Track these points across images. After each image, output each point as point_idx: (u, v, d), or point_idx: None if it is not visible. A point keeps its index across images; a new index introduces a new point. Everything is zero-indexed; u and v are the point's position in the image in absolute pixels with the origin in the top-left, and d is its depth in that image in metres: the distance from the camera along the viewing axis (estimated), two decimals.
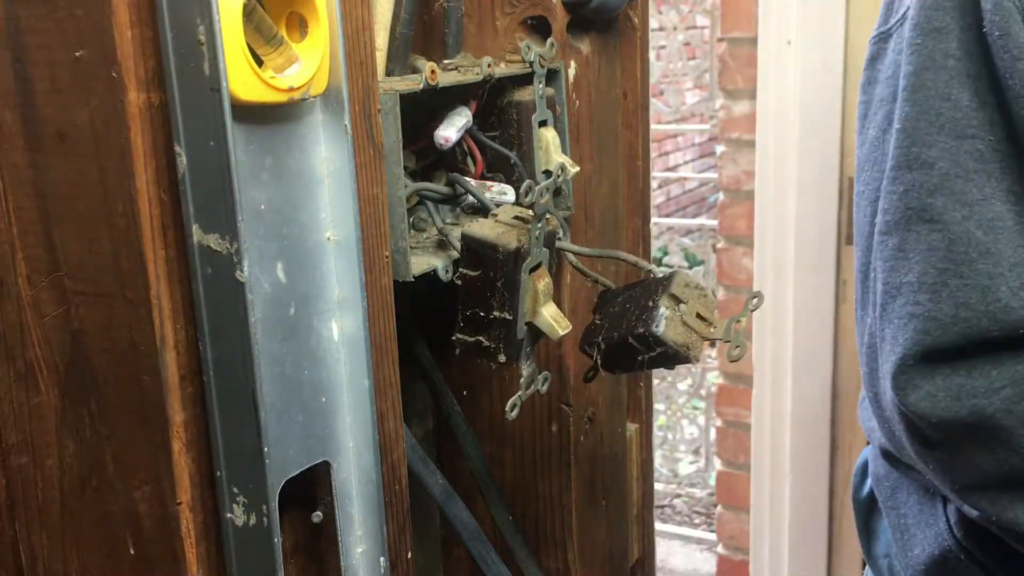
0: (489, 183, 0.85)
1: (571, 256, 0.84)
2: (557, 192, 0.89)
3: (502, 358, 0.75)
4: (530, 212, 0.74)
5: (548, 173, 0.81)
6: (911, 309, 0.68)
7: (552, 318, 0.76)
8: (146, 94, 0.56)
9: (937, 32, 0.68)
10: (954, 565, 0.77)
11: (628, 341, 0.76)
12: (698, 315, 0.76)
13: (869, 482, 0.92)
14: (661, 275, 0.80)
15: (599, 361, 0.80)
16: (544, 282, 0.76)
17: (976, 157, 0.67)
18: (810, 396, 1.97)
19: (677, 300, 0.76)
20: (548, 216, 0.75)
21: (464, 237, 0.73)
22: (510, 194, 0.85)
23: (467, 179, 0.83)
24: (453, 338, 0.76)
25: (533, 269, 0.75)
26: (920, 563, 0.79)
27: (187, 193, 0.57)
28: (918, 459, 0.73)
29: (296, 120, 0.62)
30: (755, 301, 0.77)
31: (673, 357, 0.76)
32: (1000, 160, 0.67)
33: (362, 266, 0.64)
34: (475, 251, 0.73)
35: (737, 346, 0.76)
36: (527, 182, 0.72)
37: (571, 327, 0.78)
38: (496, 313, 0.74)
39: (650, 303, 0.76)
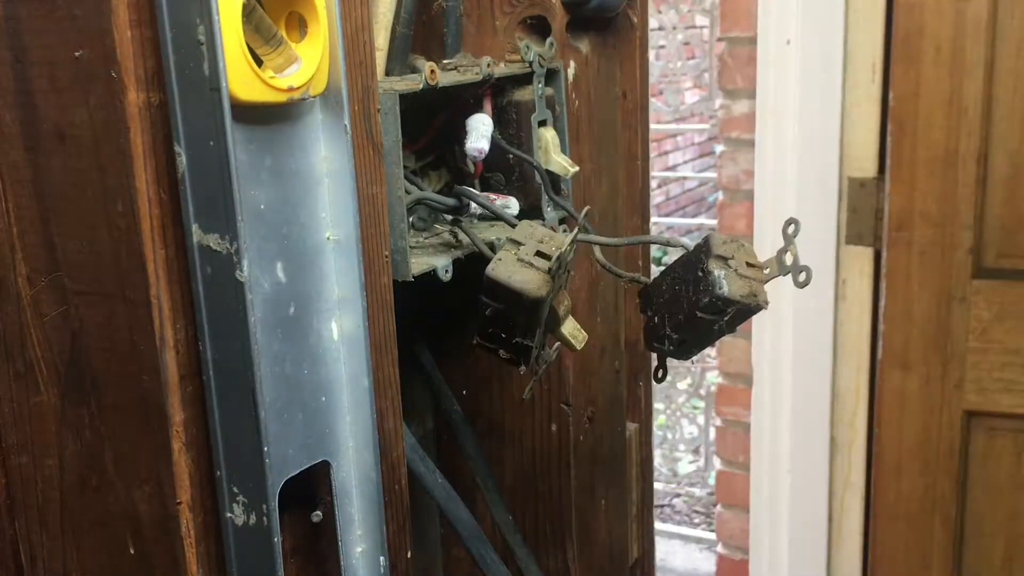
0: (492, 196, 0.85)
1: (600, 256, 0.82)
2: (557, 191, 0.89)
3: (523, 370, 0.77)
4: (552, 247, 0.72)
5: (554, 177, 0.80)
6: None
7: (570, 334, 0.77)
8: (146, 94, 0.56)
9: None
10: None
11: (697, 316, 0.76)
12: (747, 264, 0.77)
13: None
14: (693, 246, 0.80)
15: (671, 350, 0.80)
16: (564, 305, 0.76)
17: None
18: (810, 396, 1.97)
19: (724, 259, 0.76)
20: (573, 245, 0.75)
21: (487, 279, 0.72)
22: (513, 206, 0.85)
23: (475, 192, 0.82)
24: (474, 342, 0.77)
25: (554, 296, 0.75)
26: None
27: (187, 193, 0.57)
28: None
29: (296, 120, 0.62)
30: (792, 228, 0.77)
31: (746, 311, 0.76)
32: None
33: (362, 266, 0.64)
34: (497, 291, 0.72)
35: (801, 271, 0.76)
36: (558, 232, 0.71)
37: (588, 339, 0.79)
38: (518, 339, 0.74)
39: (700, 272, 0.76)
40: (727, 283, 0.74)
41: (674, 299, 0.79)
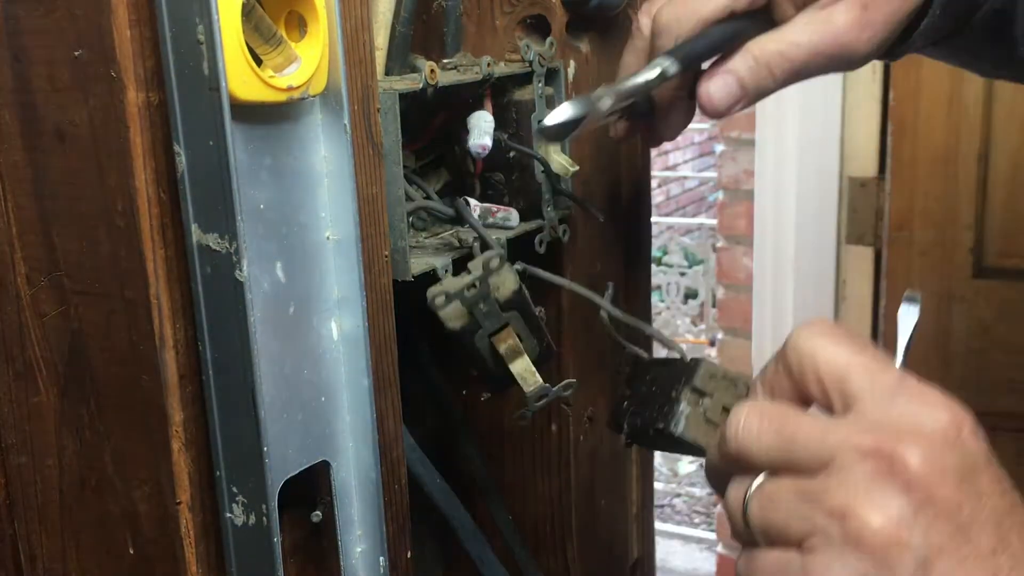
0: (495, 208, 0.84)
1: (605, 316, 0.80)
2: (556, 192, 0.88)
3: (486, 396, 0.75)
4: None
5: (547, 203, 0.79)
6: None
7: (519, 376, 0.75)
8: (145, 93, 0.56)
9: None
10: None
11: (650, 432, 0.75)
12: (724, 408, 0.73)
13: None
14: (689, 360, 0.77)
15: (626, 441, 0.80)
16: (506, 344, 0.74)
17: None
18: None
19: (700, 393, 0.73)
20: (502, 278, 0.72)
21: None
22: (514, 218, 0.85)
23: (471, 209, 0.82)
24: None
25: (494, 333, 0.74)
26: None
27: (186, 192, 0.56)
28: None
29: (295, 119, 0.62)
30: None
31: (698, 451, 0.73)
32: None
33: (362, 265, 0.64)
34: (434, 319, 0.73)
35: None
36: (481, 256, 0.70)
37: (540, 382, 0.76)
38: (470, 369, 0.73)
39: (672, 394, 0.74)
40: (684, 423, 0.72)
41: (646, 399, 0.77)
